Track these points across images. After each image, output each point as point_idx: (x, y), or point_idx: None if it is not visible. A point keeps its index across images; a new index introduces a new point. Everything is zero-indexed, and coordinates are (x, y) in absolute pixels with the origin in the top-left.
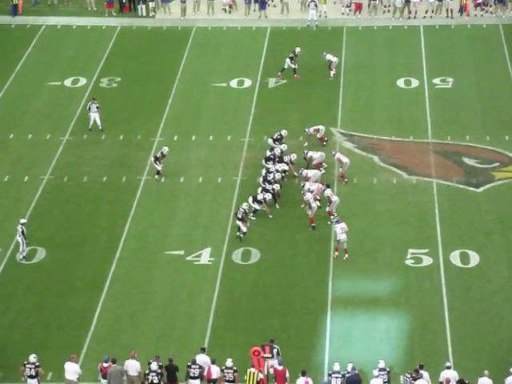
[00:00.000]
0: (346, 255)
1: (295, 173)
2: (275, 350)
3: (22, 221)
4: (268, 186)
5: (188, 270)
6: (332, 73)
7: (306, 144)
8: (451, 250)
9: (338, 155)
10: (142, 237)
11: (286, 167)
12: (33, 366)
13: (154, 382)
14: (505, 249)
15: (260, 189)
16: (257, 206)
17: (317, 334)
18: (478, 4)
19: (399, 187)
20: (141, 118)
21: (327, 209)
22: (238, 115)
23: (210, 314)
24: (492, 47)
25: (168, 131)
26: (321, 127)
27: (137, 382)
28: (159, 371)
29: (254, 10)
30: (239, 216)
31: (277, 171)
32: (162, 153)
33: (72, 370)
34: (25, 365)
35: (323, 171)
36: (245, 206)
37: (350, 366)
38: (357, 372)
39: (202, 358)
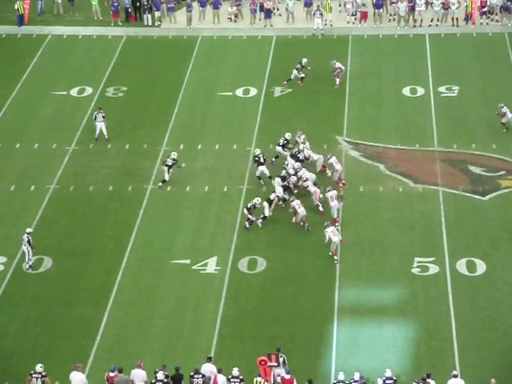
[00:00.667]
0: (335, 257)
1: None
2: (281, 359)
3: (28, 230)
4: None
5: (194, 278)
6: (338, 80)
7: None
8: (458, 258)
9: (332, 160)
10: (148, 246)
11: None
12: (39, 375)
13: None
14: (511, 257)
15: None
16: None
17: (323, 343)
18: (484, 12)
19: (405, 195)
20: (147, 127)
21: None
22: (244, 124)
23: (217, 322)
24: (498, 55)
25: (174, 140)
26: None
27: None
28: (165, 380)
29: (260, 19)
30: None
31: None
32: (173, 159)
33: (78, 379)
34: (31, 375)
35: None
36: (256, 200)
37: (357, 375)
38: (364, 381)
39: (208, 368)
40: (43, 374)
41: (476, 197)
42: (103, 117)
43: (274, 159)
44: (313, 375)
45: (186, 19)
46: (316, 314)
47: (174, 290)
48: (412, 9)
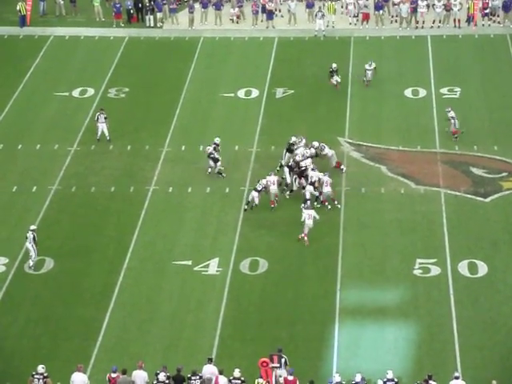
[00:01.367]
0: (306, 238)
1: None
2: (283, 360)
3: (33, 227)
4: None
5: (196, 280)
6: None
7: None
8: (459, 259)
9: (326, 151)
10: (150, 247)
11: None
12: (41, 376)
13: None
14: None
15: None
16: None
17: (325, 345)
18: (486, 14)
19: (407, 197)
20: (149, 129)
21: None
22: (246, 125)
23: (218, 324)
24: (499, 57)
25: (176, 141)
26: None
27: None
28: (167, 382)
29: (262, 21)
30: (258, 188)
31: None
32: (215, 143)
33: (79, 380)
34: (33, 375)
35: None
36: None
37: (358, 377)
38: (365, 383)
39: (210, 369)
40: (45, 374)
41: (478, 198)
42: (105, 118)
43: (278, 168)
44: (314, 377)
45: (188, 20)
46: (317, 315)
47: (175, 291)
48: (414, 10)
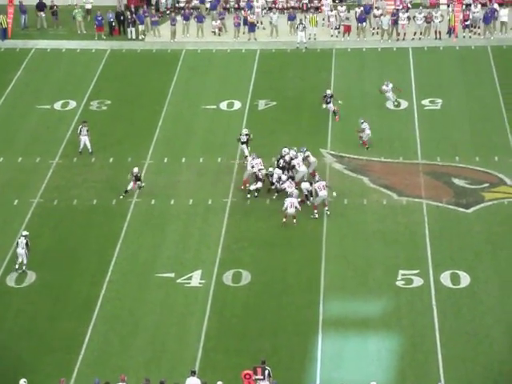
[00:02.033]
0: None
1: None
2: (266, 372)
3: (25, 233)
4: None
5: (179, 292)
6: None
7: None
8: (442, 270)
9: (308, 155)
10: (133, 259)
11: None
12: None
13: None
14: (495, 269)
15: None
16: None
17: (308, 356)
18: (467, 26)
19: (389, 208)
20: (131, 141)
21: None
22: (228, 137)
23: (201, 336)
24: (481, 68)
25: (158, 153)
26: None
27: None
28: None
29: (244, 33)
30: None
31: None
32: (246, 134)
33: None
34: None
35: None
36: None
37: None
38: None
39: (193, 381)
40: None
41: (460, 209)
42: (87, 130)
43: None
44: None
45: (170, 33)
46: (301, 327)
47: (158, 304)
48: (395, 22)
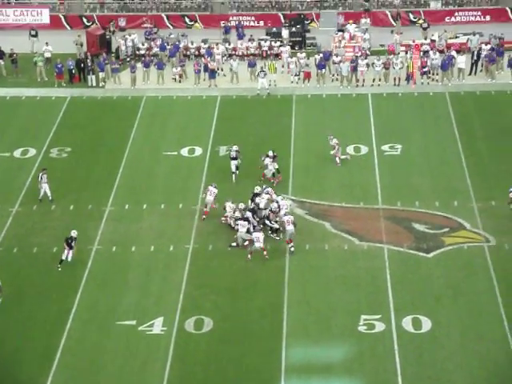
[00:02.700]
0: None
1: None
2: None
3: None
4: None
5: (140, 340)
6: (338, 159)
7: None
8: (403, 315)
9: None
10: (94, 307)
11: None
12: None
13: None
14: (456, 314)
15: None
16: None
17: None
18: (424, 72)
19: (351, 253)
20: (91, 188)
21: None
22: (190, 183)
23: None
24: (439, 114)
25: (119, 200)
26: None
27: None
28: None
29: (204, 79)
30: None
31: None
32: (236, 150)
33: None
34: None
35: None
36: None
37: None
38: None
39: None
40: None
41: (420, 254)
42: (47, 178)
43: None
44: None
45: (131, 80)
46: (263, 374)
47: (119, 352)
48: (354, 69)
